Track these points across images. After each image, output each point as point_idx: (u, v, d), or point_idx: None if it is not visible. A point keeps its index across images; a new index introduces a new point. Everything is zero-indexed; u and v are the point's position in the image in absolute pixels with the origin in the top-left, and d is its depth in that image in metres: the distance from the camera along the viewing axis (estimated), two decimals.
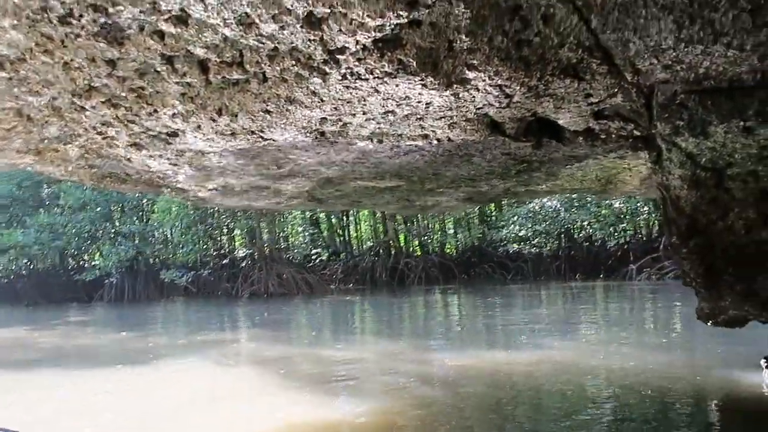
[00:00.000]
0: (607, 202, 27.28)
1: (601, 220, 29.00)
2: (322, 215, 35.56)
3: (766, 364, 7.59)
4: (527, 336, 12.81)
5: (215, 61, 3.41)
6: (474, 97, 3.81)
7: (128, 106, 3.92)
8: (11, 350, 15.01)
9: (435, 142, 4.64)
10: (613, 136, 4.44)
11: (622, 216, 28.80)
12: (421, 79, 3.51)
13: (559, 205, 29.19)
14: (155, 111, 3.97)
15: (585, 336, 12.72)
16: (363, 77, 3.50)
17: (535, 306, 20.12)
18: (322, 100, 3.81)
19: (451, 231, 36.15)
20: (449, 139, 4.59)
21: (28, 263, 35.04)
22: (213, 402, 8.09)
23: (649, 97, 3.90)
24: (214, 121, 4.08)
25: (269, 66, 3.42)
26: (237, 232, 35.35)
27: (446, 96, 3.77)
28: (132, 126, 4.21)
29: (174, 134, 4.36)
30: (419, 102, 3.87)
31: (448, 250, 35.42)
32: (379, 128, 4.32)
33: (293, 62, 3.36)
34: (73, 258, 35.97)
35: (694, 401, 7.16)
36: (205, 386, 9.25)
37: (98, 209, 31.83)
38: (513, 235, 31.42)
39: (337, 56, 3.30)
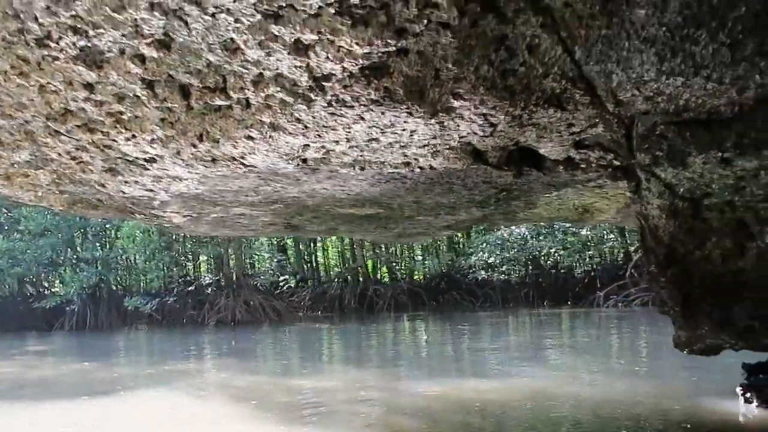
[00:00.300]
0: (573, 229, 27.60)
1: (568, 247, 29.24)
2: (289, 241, 35.21)
3: (742, 392, 7.58)
4: (497, 363, 12.78)
5: (197, 86, 3.35)
6: (459, 125, 3.80)
7: (105, 130, 3.82)
8: None
9: (417, 170, 4.62)
10: (593, 165, 4.48)
11: (588, 243, 29.11)
12: (407, 107, 3.49)
13: (527, 233, 29.43)
14: (133, 136, 3.87)
15: (554, 363, 12.73)
16: (348, 104, 3.47)
17: (504, 333, 20.14)
18: (306, 127, 3.76)
19: (420, 258, 36.13)
20: (431, 168, 4.58)
21: None
22: None
23: (629, 127, 3.94)
24: (194, 147, 4.00)
25: (253, 92, 3.37)
26: (203, 258, 34.74)
27: (431, 124, 3.76)
28: (108, 151, 4.11)
29: (152, 160, 4.26)
30: (404, 130, 3.85)
31: (416, 277, 35.34)
32: (362, 156, 4.28)
33: (278, 88, 3.32)
34: (32, 285, 34.80)
35: (669, 430, 7.17)
36: (173, 417, 8.99)
37: (60, 235, 30.99)
38: (481, 262, 31.48)
39: (323, 83, 3.27)
